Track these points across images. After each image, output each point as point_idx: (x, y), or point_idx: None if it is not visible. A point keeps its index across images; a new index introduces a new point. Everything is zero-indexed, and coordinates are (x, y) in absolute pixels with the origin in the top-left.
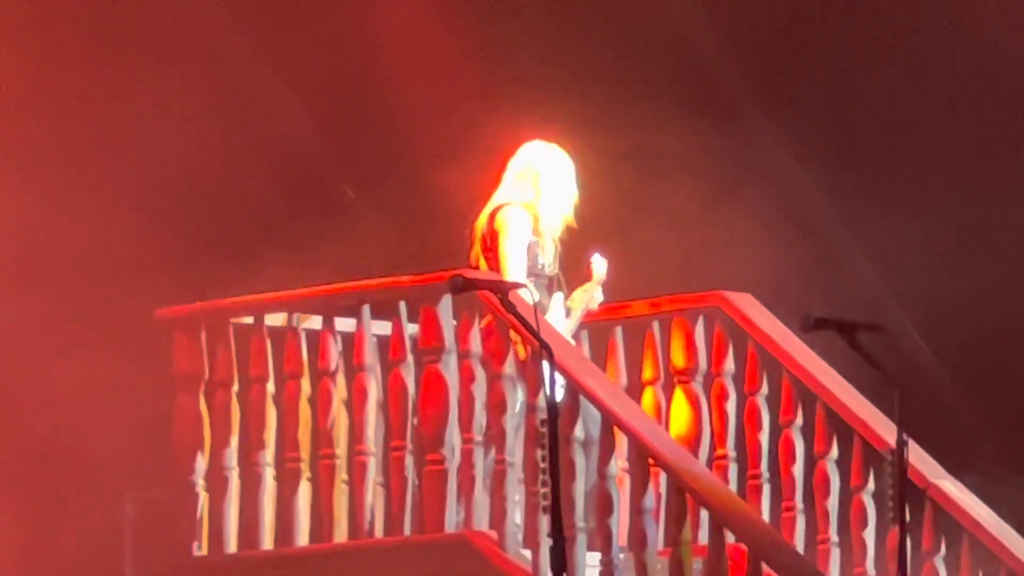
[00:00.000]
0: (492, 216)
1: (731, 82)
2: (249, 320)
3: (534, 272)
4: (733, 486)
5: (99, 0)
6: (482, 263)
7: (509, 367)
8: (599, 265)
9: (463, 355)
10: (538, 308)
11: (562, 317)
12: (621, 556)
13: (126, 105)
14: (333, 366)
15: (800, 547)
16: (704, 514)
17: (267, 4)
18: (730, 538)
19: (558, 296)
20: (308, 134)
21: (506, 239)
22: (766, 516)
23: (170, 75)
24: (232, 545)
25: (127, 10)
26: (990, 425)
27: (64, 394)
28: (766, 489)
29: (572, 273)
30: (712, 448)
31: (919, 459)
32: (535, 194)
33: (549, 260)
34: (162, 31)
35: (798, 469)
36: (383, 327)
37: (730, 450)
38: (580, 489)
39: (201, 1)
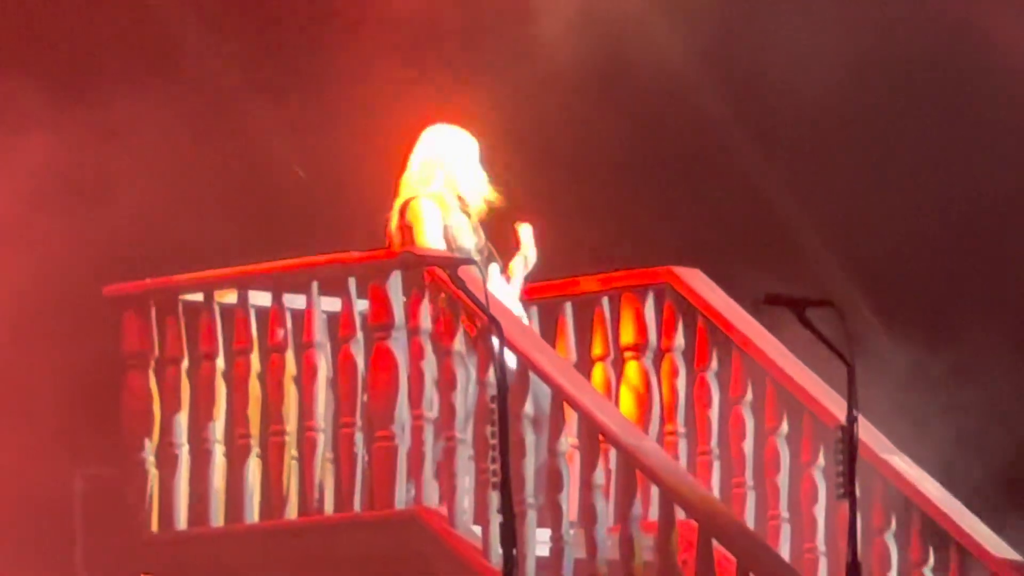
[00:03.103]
0: (402, 211)
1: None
2: (199, 297)
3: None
4: (683, 462)
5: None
6: None
7: (459, 344)
8: (525, 232)
9: (413, 331)
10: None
11: (504, 283)
12: (571, 532)
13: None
14: (283, 343)
15: (750, 523)
16: (654, 490)
17: None
18: (680, 514)
19: (493, 267)
20: (258, 110)
21: (421, 232)
22: (716, 492)
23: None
24: (182, 522)
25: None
26: (941, 398)
27: (14, 369)
28: (716, 465)
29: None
30: (662, 424)
31: (869, 435)
32: (444, 179)
33: (470, 242)
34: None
35: (748, 445)
36: (333, 303)
37: (680, 426)
38: (531, 466)
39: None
